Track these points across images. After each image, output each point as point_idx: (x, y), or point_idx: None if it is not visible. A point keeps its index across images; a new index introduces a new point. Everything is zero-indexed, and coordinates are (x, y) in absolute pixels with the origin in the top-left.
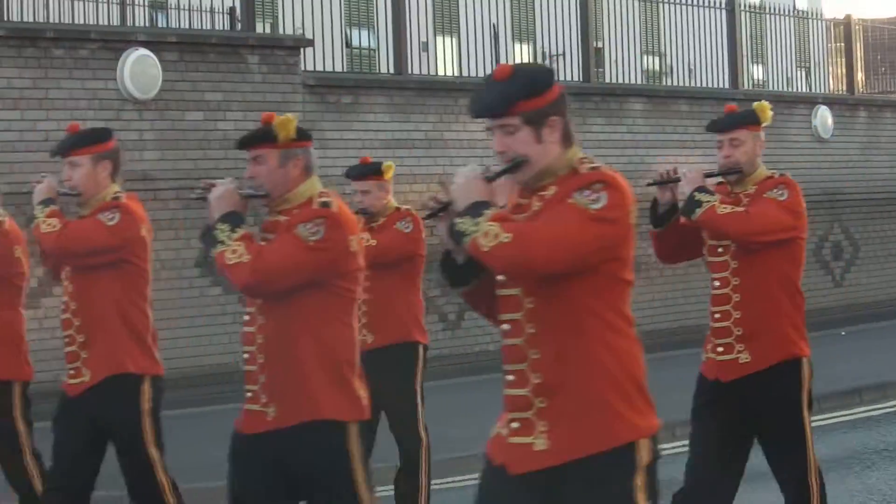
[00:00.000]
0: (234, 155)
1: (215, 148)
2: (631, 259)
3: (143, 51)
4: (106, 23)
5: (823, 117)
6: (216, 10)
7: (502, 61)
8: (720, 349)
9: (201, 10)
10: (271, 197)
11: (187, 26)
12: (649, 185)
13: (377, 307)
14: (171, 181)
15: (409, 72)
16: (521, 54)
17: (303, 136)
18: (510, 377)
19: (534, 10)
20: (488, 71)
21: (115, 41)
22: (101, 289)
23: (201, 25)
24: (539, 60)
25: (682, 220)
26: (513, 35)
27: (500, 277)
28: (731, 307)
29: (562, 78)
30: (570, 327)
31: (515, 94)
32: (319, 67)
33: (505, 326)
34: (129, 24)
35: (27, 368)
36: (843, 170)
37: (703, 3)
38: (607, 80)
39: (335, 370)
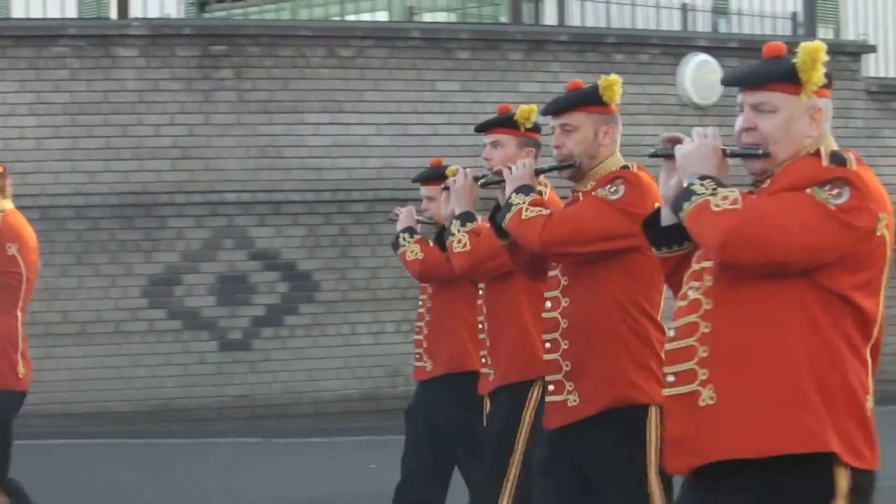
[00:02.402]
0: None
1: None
2: None
3: (704, 56)
4: (667, 28)
5: None
6: (777, 16)
7: None
8: (551, 388)
9: (763, 16)
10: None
11: (749, 31)
12: (482, 185)
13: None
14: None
15: None
16: None
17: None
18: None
19: None
20: None
21: (675, 46)
22: None
23: (762, 31)
24: None
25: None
26: None
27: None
28: (560, 335)
29: None
30: None
31: None
32: (882, 73)
33: None
34: (689, 29)
35: (11, 377)
36: None
37: None
38: None
39: None
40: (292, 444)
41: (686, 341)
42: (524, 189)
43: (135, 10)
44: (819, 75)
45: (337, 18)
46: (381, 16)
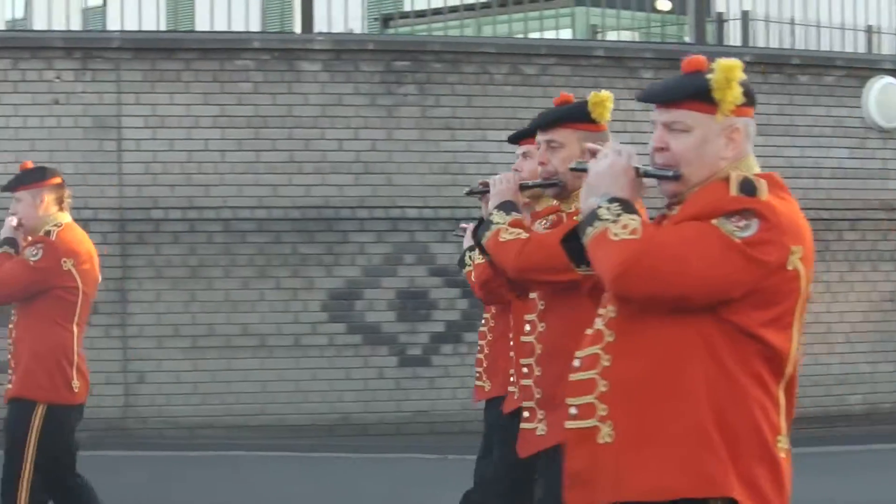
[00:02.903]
0: None
1: None
2: None
3: (889, 79)
4: (851, 50)
5: None
6: None
7: None
8: (525, 414)
9: None
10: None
11: None
12: (467, 193)
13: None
14: None
15: None
16: None
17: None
18: None
19: None
20: None
21: (860, 69)
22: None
23: None
24: None
25: None
26: None
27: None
28: (535, 361)
29: None
30: None
31: None
32: None
33: None
34: (874, 51)
35: (66, 391)
36: None
37: None
38: None
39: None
40: (470, 462)
41: (588, 373)
42: (506, 206)
43: (319, 25)
44: (735, 94)
45: (520, 36)
46: (565, 34)
